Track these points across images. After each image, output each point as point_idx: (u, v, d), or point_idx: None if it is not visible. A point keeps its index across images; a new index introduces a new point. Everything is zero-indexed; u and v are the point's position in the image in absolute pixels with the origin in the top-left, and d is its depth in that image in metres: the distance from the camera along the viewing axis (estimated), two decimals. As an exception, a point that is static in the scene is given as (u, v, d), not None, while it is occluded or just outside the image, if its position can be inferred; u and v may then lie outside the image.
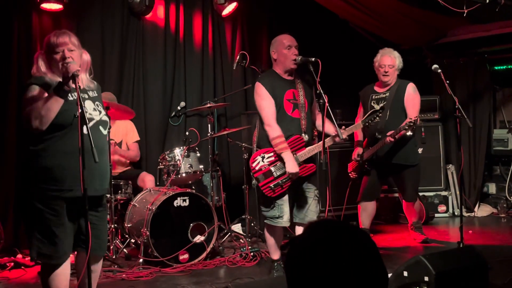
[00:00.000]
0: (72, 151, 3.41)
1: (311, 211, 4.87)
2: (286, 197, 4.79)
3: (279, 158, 4.70)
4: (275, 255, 5.02)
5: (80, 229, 3.58)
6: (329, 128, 4.69)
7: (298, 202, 4.91)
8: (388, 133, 5.50)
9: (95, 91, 3.75)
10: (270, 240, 4.97)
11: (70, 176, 3.45)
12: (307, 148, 4.76)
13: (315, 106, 5.01)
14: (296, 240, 1.60)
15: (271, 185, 4.71)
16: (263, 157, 4.76)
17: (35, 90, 3.45)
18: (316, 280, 1.50)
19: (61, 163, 3.45)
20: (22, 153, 3.66)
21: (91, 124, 3.44)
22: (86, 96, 3.62)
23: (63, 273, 3.60)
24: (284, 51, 4.78)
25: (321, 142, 4.69)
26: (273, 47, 4.89)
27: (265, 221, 4.92)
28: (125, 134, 6.56)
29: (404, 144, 5.80)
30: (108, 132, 4.21)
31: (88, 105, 3.59)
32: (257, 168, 4.76)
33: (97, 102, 3.70)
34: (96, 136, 3.44)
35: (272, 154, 4.74)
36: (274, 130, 4.69)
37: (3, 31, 6.13)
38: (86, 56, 3.69)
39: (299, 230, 4.96)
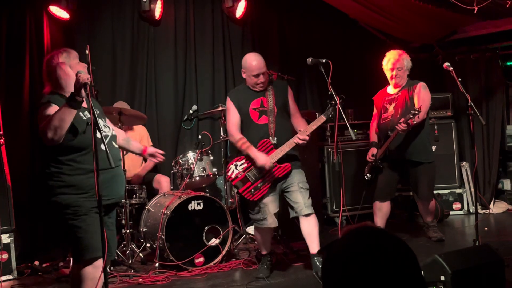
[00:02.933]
0: (92, 169, 3.49)
1: (299, 203, 4.95)
2: (268, 199, 4.96)
3: (251, 163, 4.92)
4: (263, 251, 5.27)
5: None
6: (302, 125, 4.99)
7: (287, 200, 5.06)
8: (401, 120, 5.49)
9: (97, 109, 3.76)
10: (257, 239, 5.30)
11: (94, 188, 3.52)
12: (278, 149, 4.91)
13: (294, 108, 5.18)
14: (333, 249, 1.58)
15: (251, 189, 4.94)
16: (236, 165, 5.03)
17: (50, 107, 3.55)
18: None
19: (83, 180, 3.60)
20: (42, 172, 3.73)
21: (107, 140, 3.57)
22: (98, 112, 3.66)
23: (99, 265, 3.64)
24: (251, 78, 5.00)
25: (290, 140, 4.89)
26: (243, 67, 5.08)
27: (254, 223, 5.17)
28: (139, 140, 6.61)
29: (417, 140, 5.78)
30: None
31: (100, 122, 3.63)
32: (233, 176, 5.02)
33: (103, 119, 3.84)
34: (112, 150, 3.63)
35: (244, 161, 5.00)
36: (234, 136, 5.02)
37: (15, 41, 6.19)
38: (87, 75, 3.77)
39: (302, 222, 4.99)
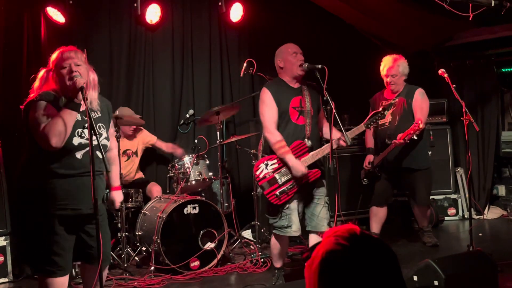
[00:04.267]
0: (70, 174, 3.49)
1: (322, 218, 4.81)
2: (293, 205, 4.74)
3: (283, 164, 4.69)
4: (278, 263, 5.03)
5: (82, 242, 3.66)
6: (336, 133, 4.70)
7: (309, 209, 4.85)
8: (398, 136, 5.52)
9: (97, 112, 3.74)
10: (275, 249, 4.95)
11: (68, 196, 3.50)
12: (311, 153, 4.74)
13: (322, 114, 5.03)
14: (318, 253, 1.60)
15: (277, 192, 4.67)
16: (266, 165, 4.75)
17: (43, 106, 3.45)
18: None
19: (61, 185, 3.50)
20: (22, 173, 3.65)
21: (88, 148, 3.45)
22: (99, 115, 3.64)
23: (61, 286, 3.64)
24: (290, 58, 4.79)
25: (324, 147, 4.71)
26: (279, 56, 4.91)
27: (273, 231, 4.88)
28: (140, 141, 6.71)
29: (414, 148, 5.82)
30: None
31: (86, 130, 3.53)
32: (261, 176, 4.74)
33: (99, 124, 3.70)
34: (84, 158, 3.50)
35: (275, 161, 4.73)
36: (274, 136, 4.69)
37: (12, 43, 6.20)
38: (93, 75, 3.69)
39: (312, 238, 4.89)
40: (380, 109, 5.01)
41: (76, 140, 3.49)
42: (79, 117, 3.54)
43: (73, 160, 3.49)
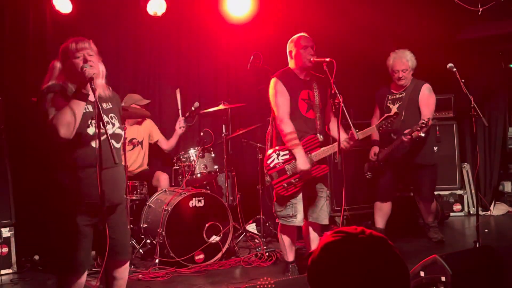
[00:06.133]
0: (87, 165, 3.45)
1: (324, 211, 4.90)
2: (300, 196, 4.80)
3: (293, 156, 4.71)
4: (290, 256, 5.03)
5: (101, 237, 3.59)
6: (342, 134, 4.69)
7: (312, 202, 4.92)
8: (405, 131, 5.49)
9: (109, 103, 3.71)
10: (285, 240, 4.96)
11: (87, 188, 3.46)
12: (322, 149, 4.77)
13: (329, 108, 5.02)
14: (316, 257, 1.58)
15: (284, 183, 4.73)
16: (278, 155, 4.77)
17: (50, 97, 3.44)
18: None
19: (84, 178, 3.46)
20: (42, 165, 3.64)
21: (103, 138, 3.38)
22: (110, 106, 3.61)
23: (80, 283, 3.63)
24: (301, 51, 4.79)
25: (335, 144, 4.70)
26: (290, 47, 4.91)
27: (278, 220, 4.92)
28: (147, 133, 6.70)
29: (420, 144, 5.79)
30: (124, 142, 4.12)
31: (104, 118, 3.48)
32: (271, 165, 4.78)
33: (111, 115, 3.67)
34: (107, 151, 3.40)
35: (287, 152, 4.75)
36: (287, 126, 4.71)
37: (18, 34, 6.18)
38: (101, 66, 3.67)
39: (311, 229, 4.97)
40: (393, 112, 5.00)
41: (91, 130, 3.46)
42: (90, 108, 3.52)
43: (89, 150, 3.45)
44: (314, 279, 1.56)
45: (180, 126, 6.78)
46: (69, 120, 3.32)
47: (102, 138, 3.34)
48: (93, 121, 3.46)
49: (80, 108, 3.39)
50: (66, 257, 3.54)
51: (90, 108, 3.53)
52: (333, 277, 1.50)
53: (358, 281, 1.47)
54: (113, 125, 3.65)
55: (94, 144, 3.44)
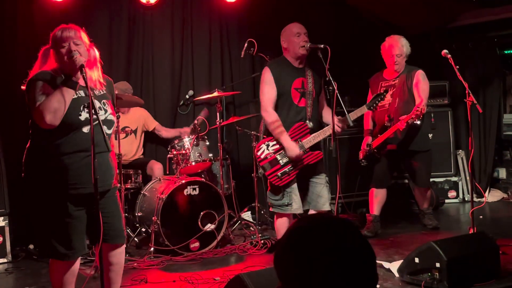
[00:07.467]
0: (76, 151, 3.43)
1: (322, 197, 4.84)
2: (295, 185, 4.77)
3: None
4: None
5: (95, 222, 3.56)
6: (335, 117, 4.65)
7: (310, 189, 4.88)
8: (400, 117, 5.49)
9: (102, 89, 3.68)
10: (281, 228, 4.91)
11: (78, 175, 3.44)
12: (312, 135, 4.73)
13: (323, 96, 5.00)
14: (281, 240, 1.56)
15: (278, 173, 4.69)
16: (267, 145, 4.75)
17: (40, 85, 3.40)
18: (303, 275, 1.47)
19: (71, 163, 3.43)
20: (26, 152, 3.57)
21: (95, 123, 3.37)
22: (92, 94, 3.57)
23: (71, 270, 3.61)
24: (294, 38, 4.77)
25: (325, 128, 4.70)
26: (283, 36, 4.88)
27: (273, 209, 4.89)
28: (141, 122, 6.69)
29: (415, 131, 5.79)
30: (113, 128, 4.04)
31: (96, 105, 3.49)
32: (262, 156, 4.76)
33: (103, 101, 3.62)
34: (97, 135, 3.37)
35: (276, 141, 4.73)
36: (270, 115, 4.70)
37: (7, 18, 6.13)
38: (94, 51, 3.61)
39: None
40: (382, 90, 4.99)
41: (83, 116, 3.43)
42: (83, 93, 3.49)
43: (79, 135, 3.43)
44: (279, 267, 1.54)
45: (183, 132, 6.72)
46: (56, 107, 3.30)
47: (95, 123, 3.33)
48: (85, 107, 3.44)
49: (69, 96, 3.36)
50: (57, 243, 3.50)
51: (82, 93, 3.49)
52: (298, 264, 1.48)
53: (324, 266, 1.45)
54: (106, 111, 3.61)
55: (85, 130, 3.42)
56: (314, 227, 1.53)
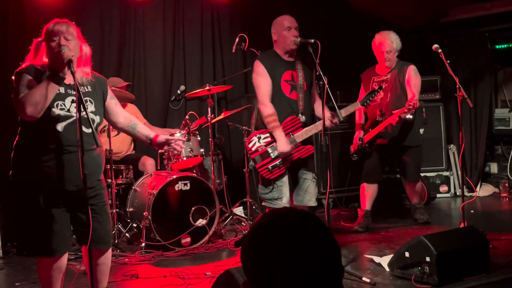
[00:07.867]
0: (53, 148, 3.41)
1: (310, 193, 4.88)
2: (285, 179, 4.78)
3: (274, 139, 4.70)
4: None
5: (81, 223, 3.52)
6: (327, 113, 4.65)
7: (297, 184, 4.91)
8: (393, 112, 5.50)
9: (88, 86, 3.61)
10: None
11: (56, 173, 3.42)
12: (304, 129, 4.74)
13: (315, 89, 5.01)
14: (246, 235, 1.56)
15: (269, 166, 4.70)
16: (259, 138, 4.76)
17: (27, 78, 3.40)
18: (266, 268, 1.46)
19: (48, 161, 3.41)
20: (13, 146, 3.56)
21: (69, 120, 3.39)
22: (73, 92, 3.47)
23: (57, 267, 3.59)
24: (284, 32, 4.77)
25: (318, 123, 4.71)
26: (274, 29, 4.89)
27: (264, 203, 4.92)
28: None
29: (406, 126, 5.80)
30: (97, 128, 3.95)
31: (68, 102, 3.47)
32: (253, 149, 4.77)
33: (86, 98, 3.54)
34: (74, 134, 3.33)
35: (268, 134, 4.74)
36: (267, 109, 4.70)
37: None
38: (86, 48, 3.59)
39: None
40: (375, 85, 4.99)
41: (55, 112, 3.40)
42: (62, 90, 3.46)
43: (54, 133, 3.40)
44: (245, 263, 1.53)
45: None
46: (37, 100, 3.28)
47: (71, 120, 3.36)
48: (63, 103, 3.42)
49: (53, 90, 3.34)
50: (38, 240, 3.50)
51: (62, 90, 3.46)
52: (263, 259, 1.46)
53: (288, 259, 1.43)
54: (87, 109, 3.49)
55: (59, 127, 3.40)
56: (275, 223, 1.51)
